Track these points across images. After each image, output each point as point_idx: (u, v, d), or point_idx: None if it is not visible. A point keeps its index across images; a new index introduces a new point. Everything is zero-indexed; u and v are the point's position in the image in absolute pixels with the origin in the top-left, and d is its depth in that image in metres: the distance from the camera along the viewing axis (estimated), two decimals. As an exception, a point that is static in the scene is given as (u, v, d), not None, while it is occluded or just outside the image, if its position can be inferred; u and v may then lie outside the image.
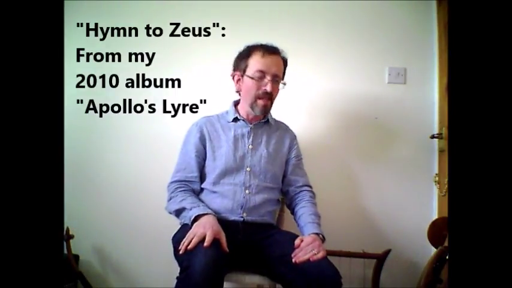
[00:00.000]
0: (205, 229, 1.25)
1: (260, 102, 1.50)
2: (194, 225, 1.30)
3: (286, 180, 1.58)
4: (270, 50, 1.49)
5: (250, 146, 1.53)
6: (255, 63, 1.49)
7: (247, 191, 1.47)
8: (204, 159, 1.52)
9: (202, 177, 1.52)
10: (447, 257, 1.44)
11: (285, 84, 1.54)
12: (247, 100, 1.53)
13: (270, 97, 1.50)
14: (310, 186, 1.58)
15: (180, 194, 1.46)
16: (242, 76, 1.52)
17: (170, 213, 1.46)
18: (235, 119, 1.56)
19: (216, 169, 1.49)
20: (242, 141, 1.53)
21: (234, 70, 1.55)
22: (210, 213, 1.35)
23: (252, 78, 1.48)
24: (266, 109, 1.53)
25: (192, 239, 1.22)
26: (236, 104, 1.60)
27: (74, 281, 1.83)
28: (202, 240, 1.22)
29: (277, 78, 1.50)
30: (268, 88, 1.48)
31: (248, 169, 1.50)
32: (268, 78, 1.48)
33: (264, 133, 1.57)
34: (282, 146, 1.58)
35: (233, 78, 1.56)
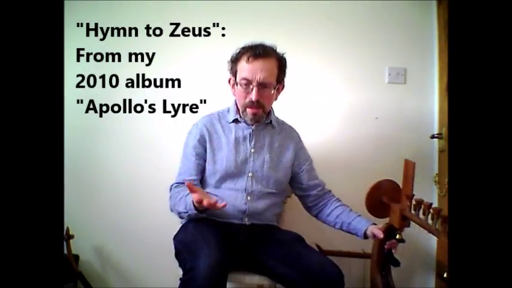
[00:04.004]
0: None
1: (249, 110, 1.43)
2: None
3: (304, 186, 1.54)
4: (257, 54, 1.38)
5: (252, 150, 1.48)
6: (241, 69, 1.41)
7: (249, 197, 1.45)
8: (206, 161, 1.48)
9: (202, 180, 1.49)
10: (397, 236, 1.39)
11: (276, 88, 1.44)
12: (239, 107, 1.47)
13: (259, 105, 1.42)
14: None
15: (174, 190, 1.44)
16: (235, 81, 1.46)
17: (173, 211, 1.44)
18: (236, 120, 1.51)
19: (216, 173, 1.46)
20: (244, 144, 1.48)
21: (230, 74, 1.49)
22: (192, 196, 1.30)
23: (239, 85, 1.42)
24: (257, 117, 1.45)
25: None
26: None
27: (74, 281, 1.83)
28: (205, 240, 1.25)
29: (266, 85, 1.40)
30: (253, 97, 1.39)
31: (250, 174, 1.46)
32: (253, 85, 1.39)
33: (267, 136, 1.51)
34: (285, 151, 1.53)
35: (229, 82, 1.50)
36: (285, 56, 1.47)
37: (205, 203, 1.20)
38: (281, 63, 1.46)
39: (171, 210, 1.45)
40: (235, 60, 1.44)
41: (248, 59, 1.39)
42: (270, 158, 1.49)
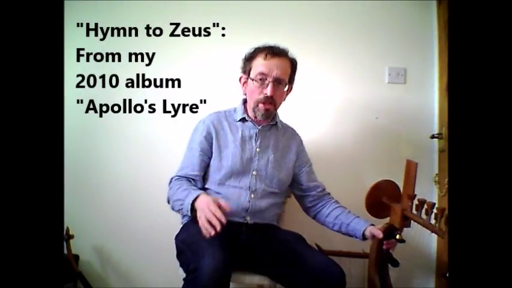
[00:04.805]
0: (208, 207, 1.21)
1: (261, 106, 1.46)
2: (198, 210, 1.26)
3: (304, 187, 1.57)
4: (274, 52, 1.44)
5: (257, 149, 1.50)
6: (257, 65, 1.45)
7: (252, 195, 1.46)
8: (210, 158, 1.49)
9: (206, 176, 1.50)
10: (397, 236, 1.37)
11: (286, 87, 1.49)
12: (251, 103, 1.50)
13: (272, 101, 1.45)
14: None
15: (176, 182, 1.44)
16: (247, 79, 1.49)
17: (169, 202, 1.44)
18: (243, 119, 1.53)
19: (221, 169, 1.46)
20: (249, 143, 1.50)
21: (242, 72, 1.52)
22: (200, 194, 1.30)
23: (254, 80, 1.45)
24: (268, 113, 1.48)
25: (207, 222, 1.19)
26: (245, 102, 1.56)
27: (74, 281, 1.83)
28: (208, 240, 1.22)
29: (281, 81, 1.45)
30: (269, 92, 1.43)
31: (254, 173, 1.48)
32: (269, 80, 1.43)
33: (272, 136, 1.54)
34: (288, 152, 1.56)
35: (240, 80, 1.53)
36: (296, 59, 1.51)
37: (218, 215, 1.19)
38: (293, 65, 1.51)
39: (168, 202, 1.44)
40: (250, 58, 1.48)
41: (266, 56, 1.44)
42: (274, 158, 1.51)
